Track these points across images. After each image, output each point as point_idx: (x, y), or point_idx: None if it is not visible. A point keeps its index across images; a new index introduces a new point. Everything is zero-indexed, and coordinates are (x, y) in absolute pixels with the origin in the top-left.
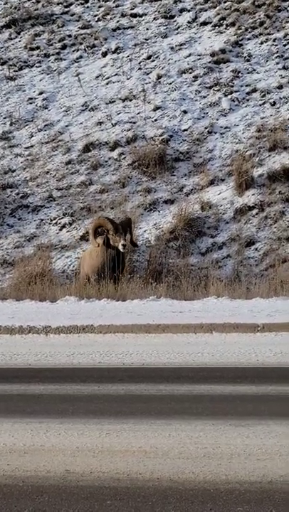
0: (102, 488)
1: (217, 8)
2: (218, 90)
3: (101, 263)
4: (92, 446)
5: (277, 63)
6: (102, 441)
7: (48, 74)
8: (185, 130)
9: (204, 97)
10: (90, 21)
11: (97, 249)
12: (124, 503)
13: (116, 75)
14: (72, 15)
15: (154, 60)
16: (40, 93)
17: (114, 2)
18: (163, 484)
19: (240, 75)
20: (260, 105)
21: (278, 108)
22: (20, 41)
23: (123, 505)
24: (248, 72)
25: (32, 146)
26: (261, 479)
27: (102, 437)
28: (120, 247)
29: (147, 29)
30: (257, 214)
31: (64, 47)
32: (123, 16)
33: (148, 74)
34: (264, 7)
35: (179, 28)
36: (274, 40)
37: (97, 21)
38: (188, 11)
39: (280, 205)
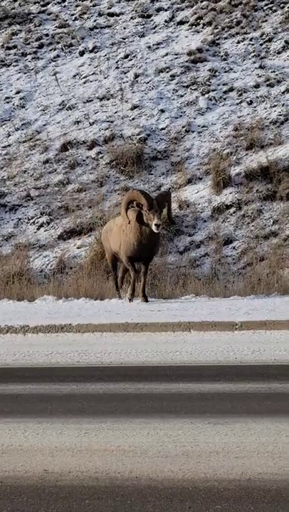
0: (81, 487)
1: (194, 7)
2: (195, 89)
3: (136, 240)
4: (70, 446)
5: (254, 62)
6: (80, 441)
7: (25, 73)
8: (162, 129)
9: (181, 96)
10: (67, 20)
11: (129, 225)
12: (102, 503)
13: (93, 74)
14: (49, 14)
15: (131, 59)
16: (18, 92)
17: (91, 1)
18: (142, 483)
19: (217, 74)
20: (237, 104)
21: (255, 107)
22: None
23: (102, 505)
24: (225, 71)
25: (9, 145)
26: (240, 477)
27: (81, 437)
28: (153, 227)
29: (124, 28)
30: (234, 212)
31: (41, 46)
32: (100, 15)
33: (125, 73)
34: (241, 6)
35: (156, 27)
36: (251, 40)
37: (74, 20)
38: (165, 10)
39: (257, 204)
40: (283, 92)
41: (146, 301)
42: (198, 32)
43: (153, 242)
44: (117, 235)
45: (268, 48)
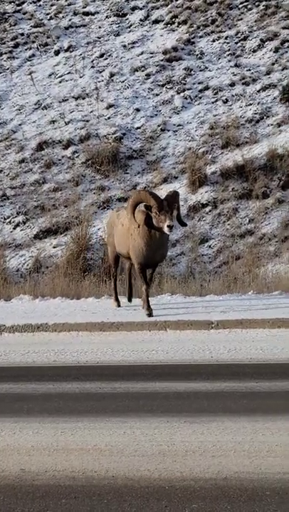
0: (58, 486)
1: (169, 6)
2: (170, 88)
3: (146, 245)
4: (47, 445)
5: (229, 61)
6: (57, 440)
7: (0, 72)
8: (138, 128)
9: (157, 94)
10: (42, 20)
11: (138, 229)
12: (79, 502)
13: (69, 73)
14: (24, 13)
15: (106, 58)
16: None
17: (66, 0)
18: (118, 482)
19: (192, 72)
20: (213, 103)
21: (230, 105)
22: None
23: (78, 504)
24: (201, 70)
25: None
26: (216, 476)
27: (58, 436)
28: (166, 229)
29: (100, 27)
30: (210, 211)
31: (16, 45)
32: (75, 14)
33: (101, 72)
34: (216, 5)
35: (131, 26)
36: (226, 38)
37: (49, 20)
38: (141, 9)
39: (233, 202)
40: (259, 91)
41: (151, 315)
42: (174, 31)
43: (163, 246)
44: (123, 238)
45: (244, 47)
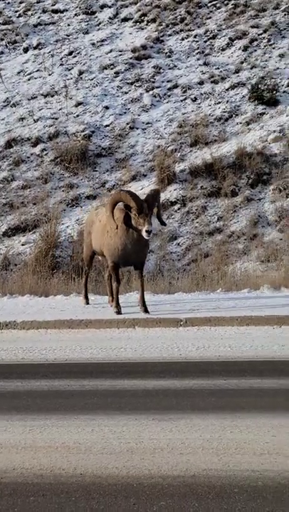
0: (25, 484)
1: (138, 4)
2: (139, 86)
3: (121, 244)
4: (15, 443)
5: (198, 59)
6: (25, 438)
7: None
8: (107, 126)
9: (126, 92)
10: (11, 17)
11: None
12: (47, 500)
13: (38, 70)
14: None
15: (75, 56)
16: None
17: None
18: (86, 480)
19: (161, 70)
20: (182, 101)
21: (199, 104)
22: None
23: (46, 502)
24: (170, 68)
25: None
26: (184, 473)
27: (26, 433)
28: (144, 234)
29: (68, 25)
30: (179, 209)
31: None
32: (44, 11)
33: (70, 70)
34: (184, 3)
35: (100, 24)
36: (195, 37)
37: (18, 17)
38: (109, 7)
39: (201, 200)
40: (227, 89)
41: (147, 311)
42: (143, 29)
43: (141, 246)
44: (99, 234)
45: (212, 45)
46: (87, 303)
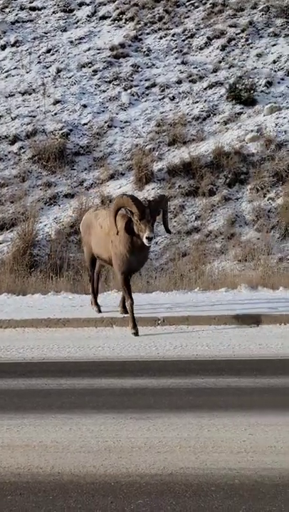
0: (3, 483)
1: (116, 2)
2: (117, 85)
3: (128, 251)
4: None
5: (176, 58)
6: (2, 436)
7: None
8: (85, 124)
9: (104, 91)
10: None
11: (118, 236)
12: (24, 498)
13: (15, 68)
14: None
15: (53, 54)
16: None
17: None
18: (64, 478)
19: (139, 69)
20: (160, 100)
21: (177, 103)
22: None
23: (24, 500)
24: (148, 67)
25: None
26: (162, 472)
27: (3, 432)
28: (145, 241)
29: (46, 23)
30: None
31: None
32: (22, 9)
33: (47, 68)
34: (163, 2)
35: (78, 21)
36: (173, 35)
37: None
38: (88, 4)
39: (179, 200)
40: (205, 88)
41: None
42: (121, 27)
43: (144, 254)
44: (102, 241)
45: (190, 44)
46: (99, 311)
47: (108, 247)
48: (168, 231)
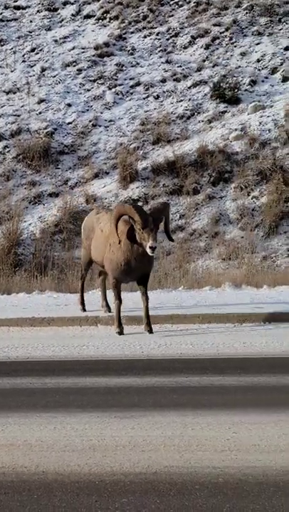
0: None
1: (100, 1)
2: (102, 83)
3: (124, 260)
4: None
5: (161, 57)
6: None
7: None
8: (69, 123)
9: (88, 90)
10: None
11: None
12: (9, 497)
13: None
14: None
15: (38, 53)
16: None
17: None
18: (48, 477)
19: (123, 68)
20: (144, 99)
21: (162, 102)
22: None
23: (8, 499)
24: (132, 66)
25: None
26: (146, 470)
27: None
28: (148, 250)
29: (31, 21)
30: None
31: None
32: (6, 8)
33: (32, 66)
34: (147, 1)
35: (62, 20)
36: (157, 34)
37: None
38: (72, 3)
39: (164, 198)
40: (189, 87)
41: (151, 331)
42: (105, 26)
43: (145, 262)
44: (101, 246)
45: (175, 43)
46: (84, 310)
47: (105, 251)
48: (171, 239)
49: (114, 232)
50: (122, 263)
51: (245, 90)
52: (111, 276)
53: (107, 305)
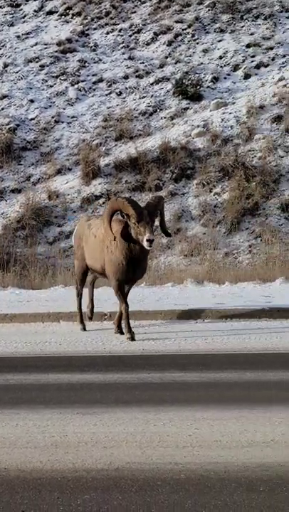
0: None
1: None
2: (64, 80)
3: (125, 258)
4: None
5: (123, 53)
6: None
7: None
8: (32, 119)
9: (51, 86)
10: None
11: (114, 241)
12: None
13: None
14: None
15: (0, 49)
16: None
17: None
18: (10, 474)
19: (86, 64)
20: (107, 95)
21: (124, 98)
22: None
23: None
24: (95, 62)
25: None
26: (108, 467)
27: None
28: (145, 244)
29: None
30: (104, 203)
31: None
32: None
33: None
34: None
35: (25, 16)
36: (120, 31)
37: None
38: None
39: (126, 195)
40: (152, 84)
41: (122, 333)
42: (68, 22)
43: (144, 260)
44: (97, 251)
45: (137, 40)
46: (84, 329)
47: (102, 256)
48: (167, 234)
49: (108, 229)
50: (123, 262)
51: (208, 87)
52: (113, 280)
53: (92, 310)
